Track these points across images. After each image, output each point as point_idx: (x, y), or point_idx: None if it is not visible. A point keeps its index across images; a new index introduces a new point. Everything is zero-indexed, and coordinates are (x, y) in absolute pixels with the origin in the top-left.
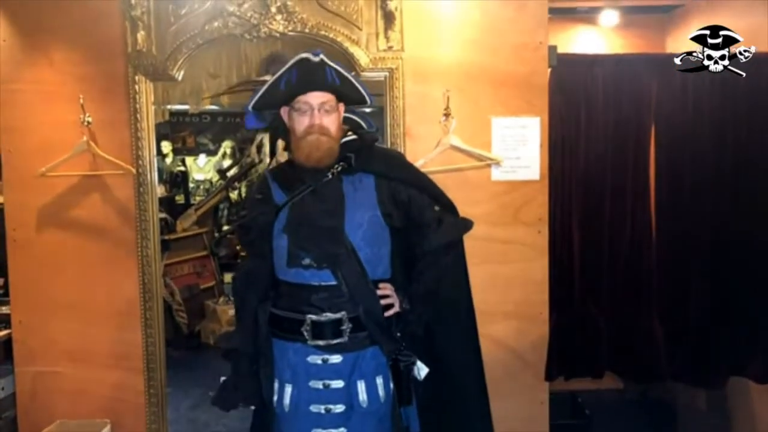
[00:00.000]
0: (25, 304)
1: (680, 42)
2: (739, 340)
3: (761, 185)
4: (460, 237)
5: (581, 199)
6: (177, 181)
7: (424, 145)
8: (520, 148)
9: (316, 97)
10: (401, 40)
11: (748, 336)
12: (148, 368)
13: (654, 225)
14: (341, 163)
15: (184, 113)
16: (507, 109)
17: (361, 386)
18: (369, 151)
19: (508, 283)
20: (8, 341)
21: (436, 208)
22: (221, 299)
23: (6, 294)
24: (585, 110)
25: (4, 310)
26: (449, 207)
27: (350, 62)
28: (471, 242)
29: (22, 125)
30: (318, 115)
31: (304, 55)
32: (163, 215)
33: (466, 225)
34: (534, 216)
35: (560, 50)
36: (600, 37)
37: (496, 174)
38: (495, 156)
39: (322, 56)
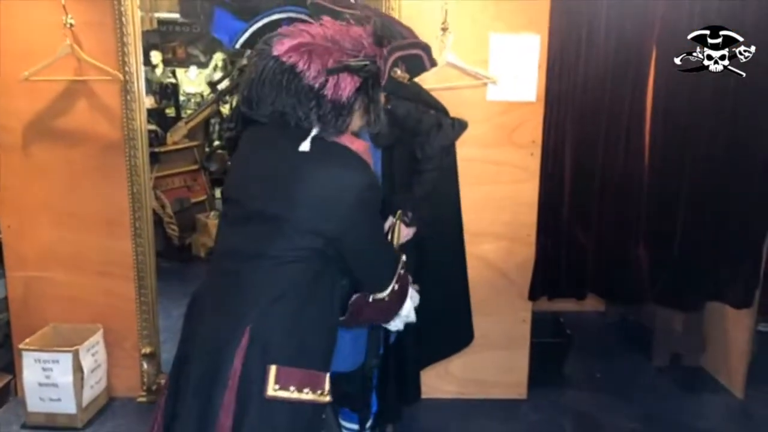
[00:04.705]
0: (13, 209)
1: None
2: (720, 268)
3: (760, 119)
4: (457, 138)
5: (576, 123)
6: (167, 92)
7: None
8: (517, 67)
9: None
10: None
11: (729, 264)
12: (139, 276)
13: (647, 153)
14: None
15: (173, 22)
16: (506, 25)
17: None
18: None
19: (498, 204)
20: None
21: (432, 112)
22: (212, 213)
23: None
24: (586, 31)
25: None
26: (442, 110)
27: None
28: (464, 163)
29: (2, 27)
30: None
31: None
32: (152, 127)
33: (462, 125)
34: (528, 138)
35: None
36: None
37: (492, 94)
38: (491, 75)
39: None
